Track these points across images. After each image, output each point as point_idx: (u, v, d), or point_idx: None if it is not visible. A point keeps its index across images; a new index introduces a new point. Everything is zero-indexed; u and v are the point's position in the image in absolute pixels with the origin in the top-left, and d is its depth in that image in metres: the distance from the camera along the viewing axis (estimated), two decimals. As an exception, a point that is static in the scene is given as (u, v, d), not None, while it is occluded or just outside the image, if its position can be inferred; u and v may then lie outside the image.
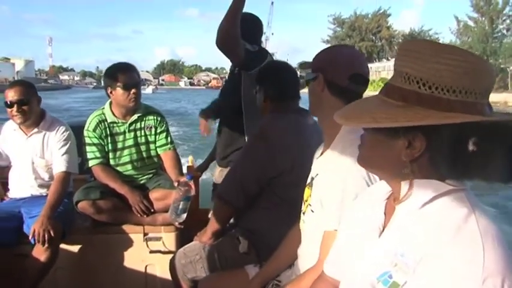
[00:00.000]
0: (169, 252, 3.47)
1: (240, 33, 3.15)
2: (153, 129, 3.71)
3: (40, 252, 3.20)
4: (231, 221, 2.93)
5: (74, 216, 3.54)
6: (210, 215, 3.03)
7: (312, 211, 1.96)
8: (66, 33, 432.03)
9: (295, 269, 2.22)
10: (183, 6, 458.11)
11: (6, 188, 3.70)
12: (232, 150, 3.51)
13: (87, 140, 3.61)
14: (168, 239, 3.56)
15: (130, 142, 3.67)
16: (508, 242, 1.08)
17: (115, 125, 3.64)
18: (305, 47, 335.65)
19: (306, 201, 2.04)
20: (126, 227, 3.57)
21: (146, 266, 3.58)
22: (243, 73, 3.40)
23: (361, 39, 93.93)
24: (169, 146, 3.73)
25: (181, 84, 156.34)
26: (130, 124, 3.65)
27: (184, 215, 3.25)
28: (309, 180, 2.07)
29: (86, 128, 3.62)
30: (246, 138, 3.40)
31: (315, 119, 2.58)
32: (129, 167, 3.70)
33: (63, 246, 3.41)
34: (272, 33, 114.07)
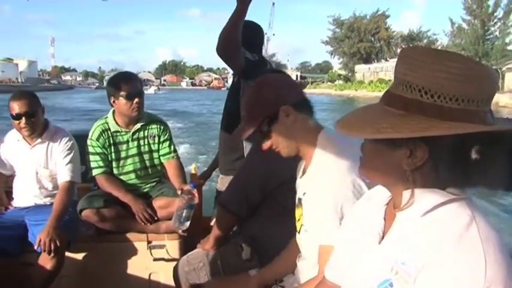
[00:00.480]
0: (172, 259, 3.47)
1: (241, 40, 3.14)
2: (156, 138, 3.71)
3: (46, 261, 3.21)
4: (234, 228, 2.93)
5: (78, 225, 3.54)
6: (212, 223, 3.03)
7: (306, 230, 1.97)
8: (68, 34, 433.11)
9: (296, 277, 2.21)
10: (185, 6, 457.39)
11: (10, 197, 3.70)
12: (233, 158, 3.49)
13: (91, 149, 3.61)
14: (172, 246, 3.56)
15: (133, 151, 3.67)
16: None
17: (118, 134, 3.64)
18: (306, 48, 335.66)
19: (299, 220, 2.04)
20: (129, 235, 3.57)
21: (150, 273, 3.58)
22: (242, 82, 3.39)
23: (360, 40, 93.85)
24: (172, 154, 3.73)
25: (183, 84, 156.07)
26: (134, 133, 3.65)
27: (188, 223, 3.24)
28: (297, 201, 2.06)
29: (89, 137, 3.62)
30: (245, 146, 3.40)
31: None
32: (132, 175, 3.70)
33: (67, 254, 3.41)
34: (273, 34, 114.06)
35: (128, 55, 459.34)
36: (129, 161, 3.68)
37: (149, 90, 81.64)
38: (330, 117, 36.92)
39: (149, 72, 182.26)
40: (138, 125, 3.64)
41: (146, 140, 3.69)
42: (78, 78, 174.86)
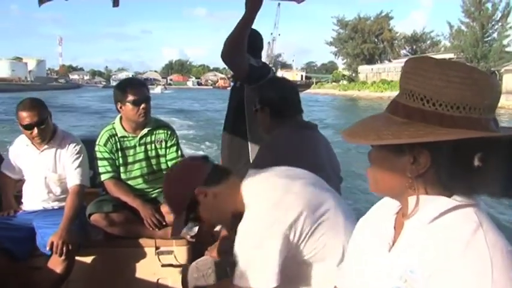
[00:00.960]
0: (180, 265, 3.46)
1: None
2: (163, 143, 3.69)
3: (56, 264, 3.20)
4: None
5: (88, 229, 3.52)
6: (219, 229, 3.01)
7: None
8: (76, 33, 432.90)
9: None
10: (191, 5, 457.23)
11: (19, 201, 3.68)
12: (239, 164, 3.45)
13: (99, 155, 3.60)
14: (180, 252, 3.52)
15: (141, 156, 3.65)
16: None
17: (125, 139, 3.62)
18: (313, 48, 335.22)
19: None
20: (138, 241, 3.54)
21: (158, 279, 3.54)
22: (246, 87, 3.39)
23: (364, 41, 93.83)
24: (179, 159, 3.68)
25: (189, 84, 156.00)
26: (141, 138, 3.63)
27: (196, 229, 3.22)
28: None
29: (97, 142, 3.62)
30: (250, 150, 3.37)
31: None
32: (140, 180, 3.68)
33: (76, 258, 3.37)
34: (279, 34, 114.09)
35: (134, 54, 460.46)
36: (137, 165, 3.66)
37: (156, 90, 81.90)
38: (332, 115, 37.14)
39: (155, 71, 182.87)
40: (145, 130, 3.63)
41: (153, 144, 3.67)
42: (85, 77, 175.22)
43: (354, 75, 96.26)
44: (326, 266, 1.83)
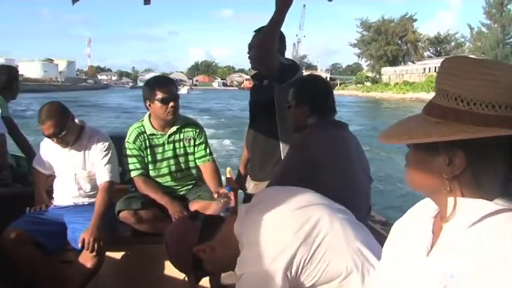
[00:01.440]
0: None
1: None
2: (192, 141, 3.67)
3: (86, 259, 3.23)
4: None
5: (116, 226, 3.54)
6: None
7: None
8: (104, 34, 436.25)
9: None
10: (218, 7, 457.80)
11: (50, 196, 3.71)
12: (269, 163, 3.44)
13: (128, 152, 3.61)
14: None
15: (169, 154, 3.64)
16: None
17: (154, 137, 3.62)
18: (339, 49, 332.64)
19: None
20: None
21: (185, 276, 3.53)
22: (275, 86, 3.34)
23: (387, 43, 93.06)
24: (208, 157, 3.69)
25: (215, 84, 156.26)
26: (169, 136, 3.62)
27: None
28: None
29: (126, 139, 3.63)
30: (282, 152, 3.34)
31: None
32: (168, 178, 3.68)
33: (106, 254, 3.39)
34: (304, 36, 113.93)
35: (161, 55, 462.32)
36: (165, 163, 3.66)
37: (182, 90, 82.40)
38: (354, 115, 36.97)
39: (182, 72, 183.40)
40: (174, 128, 3.62)
41: (182, 142, 3.66)
42: (113, 78, 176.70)
43: (377, 76, 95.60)
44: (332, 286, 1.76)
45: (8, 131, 4.21)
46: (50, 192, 3.73)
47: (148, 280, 3.52)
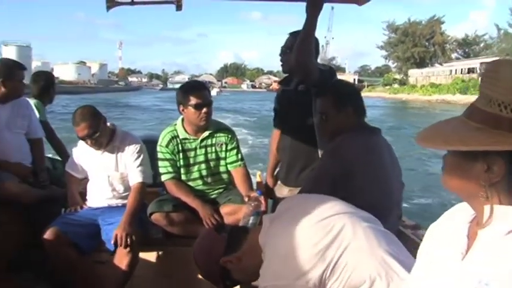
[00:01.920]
0: None
1: None
2: (223, 146, 3.68)
3: (121, 259, 3.26)
4: None
5: (148, 227, 3.56)
6: None
7: None
8: (135, 37, 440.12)
9: None
10: (247, 9, 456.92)
11: (84, 198, 3.75)
12: (305, 170, 3.37)
13: (160, 155, 3.63)
14: None
15: (201, 158, 3.65)
16: None
17: (187, 141, 3.63)
18: (368, 51, 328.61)
19: None
20: None
21: None
22: (312, 91, 3.24)
23: (414, 45, 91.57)
24: (239, 162, 3.69)
25: (244, 86, 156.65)
26: (202, 141, 3.63)
27: None
28: None
29: (159, 143, 3.65)
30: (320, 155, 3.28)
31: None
32: (199, 182, 3.68)
33: (139, 255, 3.42)
34: (332, 38, 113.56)
35: (190, 57, 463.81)
36: (196, 167, 3.66)
37: (212, 92, 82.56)
38: (379, 116, 36.69)
39: (211, 74, 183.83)
40: (206, 133, 3.63)
41: (214, 147, 3.67)
42: (143, 80, 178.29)
43: (404, 78, 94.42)
44: None
45: (45, 135, 4.28)
46: (83, 194, 3.78)
47: (180, 282, 3.53)
